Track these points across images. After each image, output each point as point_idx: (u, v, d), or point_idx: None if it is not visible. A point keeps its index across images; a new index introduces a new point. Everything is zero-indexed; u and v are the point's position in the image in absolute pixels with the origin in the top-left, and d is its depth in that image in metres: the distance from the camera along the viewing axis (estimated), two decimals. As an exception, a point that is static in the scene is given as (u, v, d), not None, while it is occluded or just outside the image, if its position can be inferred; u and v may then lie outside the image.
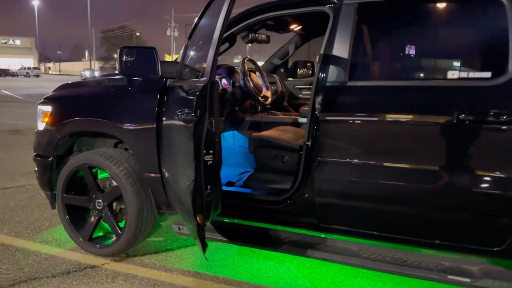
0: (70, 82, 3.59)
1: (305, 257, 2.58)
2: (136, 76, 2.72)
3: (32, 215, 4.04)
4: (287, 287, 2.73)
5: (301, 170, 2.54)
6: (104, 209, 3.12)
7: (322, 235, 2.62)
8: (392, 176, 2.25)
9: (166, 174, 2.70)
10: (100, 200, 3.12)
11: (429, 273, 2.24)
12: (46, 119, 3.25)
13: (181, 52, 2.66)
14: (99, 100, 3.03)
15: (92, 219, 3.17)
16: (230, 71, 3.47)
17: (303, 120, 3.35)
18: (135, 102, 2.91)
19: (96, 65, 74.33)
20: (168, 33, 59.39)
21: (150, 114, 2.79)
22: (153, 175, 2.90)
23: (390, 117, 2.28)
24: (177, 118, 2.41)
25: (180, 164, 2.36)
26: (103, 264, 3.06)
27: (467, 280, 2.16)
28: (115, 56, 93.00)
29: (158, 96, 2.78)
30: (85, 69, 51.60)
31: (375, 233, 2.38)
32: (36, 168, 3.42)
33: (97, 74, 53.88)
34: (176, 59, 3.65)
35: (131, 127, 2.89)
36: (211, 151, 2.07)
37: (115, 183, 3.12)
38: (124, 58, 2.56)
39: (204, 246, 2.21)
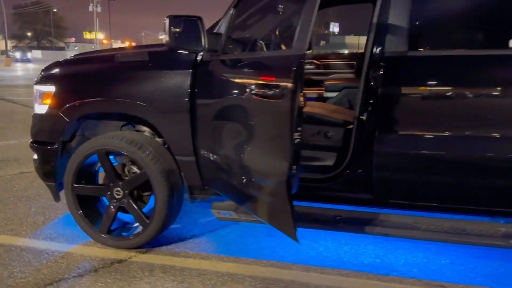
0: (71, 57, 3.18)
1: (362, 234, 2.55)
2: (183, 50, 2.45)
3: (18, 210, 3.60)
4: (335, 264, 2.69)
5: (353, 145, 2.47)
6: (125, 197, 2.85)
7: (371, 211, 2.60)
8: (457, 146, 2.26)
9: (212, 156, 2.49)
10: (119, 188, 2.84)
11: (492, 240, 2.31)
12: (49, 101, 2.87)
13: (225, 23, 2.43)
14: (123, 79, 2.70)
15: (111, 209, 2.89)
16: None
17: (331, 94, 3.27)
18: (166, 79, 2.64)
19: (9, 44, 68.22)
20: (90, 8, 55.96)
21: (184, 93, 2.55)
22: (186, 158, 2.68)
23: (453, 88, 2.27)
24: (246, 94, 2.17)
25: (255, 144, 2.16)
26: (130, 258, 2.80)
27: None
28: (29, 34, 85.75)
29: (191, 72, 2.55)
30: (16, 49, 47.01)
31: (435, 204, 2.40)
32: (36, 157, 3.03)
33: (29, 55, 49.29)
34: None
35: (162, 108, 2.63)
36: (299, 128, 1.93)
37: (134, 169, 2.87)
38: (172, 28, 2.29)
39: (295, 230, 2.05)
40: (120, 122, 3.15)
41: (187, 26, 2.31)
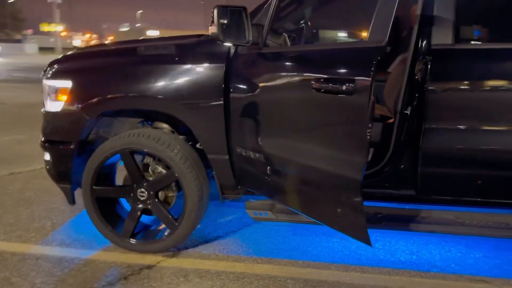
0: (87, 48, 2.96)
1: (406, 231, 2.50)
2: (230, 42, 2.30)
3: (21, 214, 3.35)
4: (373, 263, 2.64)
5: (395, 140, 2.42)
6: (150, 199, 2.69)
7: (410, 207, 2.56)
8: (508, 140, 2.23)
9: (253, 154, 2.36)
10: (143, 190, 2.68)
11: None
12: (64, 97, 2.65)
13: (267, 14, 2.29)
14: (153, 73, 2.52)
15: (134, 212, 2.72)
16: None
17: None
18: (199, 74, 2.48)
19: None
20: (49, -1, 53.72)
21: (219, 88, 2.41)
22: (220, 156, 2.55)
23: (504, 81, 2.25)
24: (306, 89, 2.02)
25: (319, 142, 2.04)
26: (158, 262, 2.65)
27: None
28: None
29: (225, 66, 2.42)
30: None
31: (479, 199, 2.38)
32: (49, 158, 2.80)
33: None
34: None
35: (196, 105, 2.48)
36: (370, 125, 1.83)
37: (160, 169, 2.71)
38: (220, 20, 2.13)
39: (367, 232, 1.95)
40: (136, 119, 2.99)
41: (233, 17, 2.16)
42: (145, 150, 2.60)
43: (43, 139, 2.83)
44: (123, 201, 2.94)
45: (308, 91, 1.97)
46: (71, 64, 2.75)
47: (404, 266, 2.60)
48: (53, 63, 2.85)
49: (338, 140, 1.92)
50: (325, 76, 1.93)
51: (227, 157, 2.53)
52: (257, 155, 2.34)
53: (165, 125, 2.88)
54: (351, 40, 2.73)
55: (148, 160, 2.78)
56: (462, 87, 2.29)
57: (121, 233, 2.76)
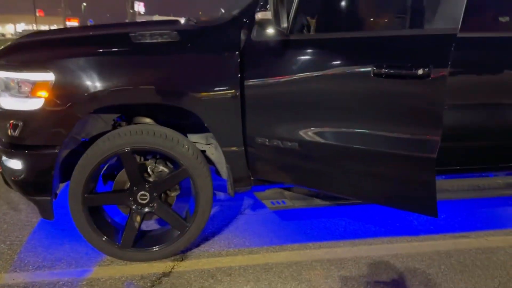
0: (55, 33, 2.46)
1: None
2: (277, 30, 2.15)
3: (-42, 241, 2.71)
4: (369, 235, 2.86)
5: None
6: (152, 202, 2.46)
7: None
8: None
9: (281, 143, 2.32)
10: (145, 192, 2.43)
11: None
12: (44, 93, 2.22)
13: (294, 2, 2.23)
14: (161, 63, 2.26)
15: (135, 218, 2.45)
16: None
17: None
18: (212, 63, 2.33)
19: None
20: None
21: (234, 77, 2.31)
22: (236, 148, 2.45)
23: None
24: (363, 76, 2.07)
25: (385, 126, 2.06)
26: (173, 268, 2.45)
27: None
28: None
29: (239, 55, 2.32)
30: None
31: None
32: (21, 166, 2.32)
33: None
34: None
35: (211, 96, 2.32)
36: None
37: (161, 168, 2.49)
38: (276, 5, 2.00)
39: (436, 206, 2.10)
40: (111, 115, 2.68)
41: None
42: (153, 148, 2.36)
43: (8, 144, 2.33)
44: (107, 208, 2.62)
45: (367, 77, 2.03)
46: (49, 53, 2.29)
47: (396, 233, 2.88)
48: (22, 51, 2.37)
49: (410, 122, 2.03)
50: (395, 62, 2.01)
51: (243, 148, 2.45)
52: (290, 143, 2.31)
53: (148, 120, 2.64)
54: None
55: (140, 159, 2.52)
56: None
57: (121, 243, 2.46)
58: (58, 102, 2.22)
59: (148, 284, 2.29)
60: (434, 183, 2.00)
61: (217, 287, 2.27)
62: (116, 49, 2.32)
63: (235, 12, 2.62)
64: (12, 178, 2.38)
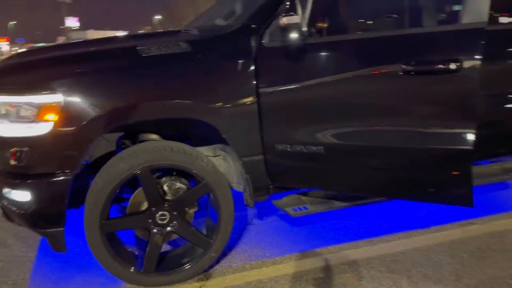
0: (51, 51, 2.28)
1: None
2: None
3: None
4: (382, 232, 2.89)
5: None
6: (173, 221, 2.34)
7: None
8: None
9: (304, 148, 2.29)
10: (164, 212, 2.32)
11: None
12: (52, 116, 2.05)
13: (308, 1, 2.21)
14: (176, 74, 2.16)
15: (156, 240, 2.32)
16: None
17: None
18: (227, 72, 2.26)
19: None
20: None
21: (250, 85, 2.26)
22: (255, 157, 2.40)
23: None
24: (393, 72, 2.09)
25: (419, 121, 2.11)
26: (202, 287, 2.34)
27: None
28: None
29: (254, 61, 2.28)
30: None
31: None
32: (29, 198, 2.12)
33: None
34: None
35: (228, 107, 2.25)
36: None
37: (178, 185, 2.39)
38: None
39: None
40: (113, 134, 2.53)
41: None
42: (172, 165, 2.25)
43: (13, 175, 2.13)
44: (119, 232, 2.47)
45: (394, 75, 2.05)
46: (54, 72, 2.12)
47: (407, 228, 2.93)
48: (6, 73, 2.18)
49: (446, 117, 2.06)
50: (425, 58, 2.05)
51: (262, 157, 2.40)
52: (314, 147, 2.29)
53: (155, 136, 2.53)
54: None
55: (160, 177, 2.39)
56: None
57: (143, 269, 2.32)
58: (69, 124, 2.07)
59: (182, 309, 2.18)
60: (471, 175, 2.06)
61: (257, 303, 2.20)
62: (129, 63, 2.19)
63: (237, 19, 2.60)
64: (19, 211, 2.18)
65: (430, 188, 2.22)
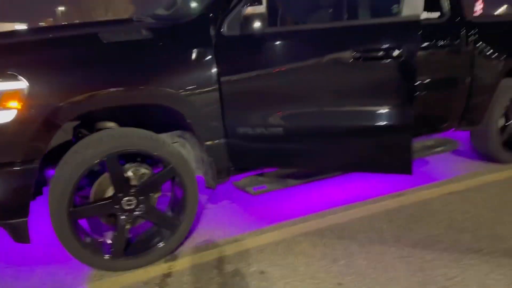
0: (35, 35, 2.18)
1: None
2: None
3: None
4: (355, 199, 3.18)
5: None
6: (139, 205, 2.41)
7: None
8: None
9: (266, 130, 2.46)
10: (131, 197, 2.37)
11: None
12: (16, 103, 2.01)
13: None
14: (143, 61, 2.21)
15: (123, 225, 2.37)
16: None
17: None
18: (189, 59, 2.36)
19: None
20: None
21: (212, 72, 2.39)
22: (218, 141, 2.53)
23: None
24: (345, 59, 2.35)
25: (368, 101, 2.40)
26: (170, 268, 2.43)
27: None
28: None
29: (214, 49, 2.41)
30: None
31: None
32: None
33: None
34: None
35: (193, 92, 2.36)
36: None
37: (143, 170, 2.45)
38: None
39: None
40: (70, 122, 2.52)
41: None
42: (139, 150, 2.31)
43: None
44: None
45: (345, 61, 2.30)
46: (18, 58, 2.06)
47: (350, 201, 3.26)
48: None
49: (389, 97, 2.33)
50: (372, 46, 2.29)
51: (224, 140, 2.54)
52: (274, 129, 2.47)
53: (112, 124, 2.56)
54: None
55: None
56: None
57: (112, 254, 2.36)
58: (35, 111, 2.04)
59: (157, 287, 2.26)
60: (411, 147, 2.38)
61: (225, 276, 2.34)
62: (95, 50, 2.20)
63: (194, 8, 2.69)
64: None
65: (378, 160, 2.52)
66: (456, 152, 4.27)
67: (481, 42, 3.43)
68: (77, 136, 2.54)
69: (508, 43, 3.62)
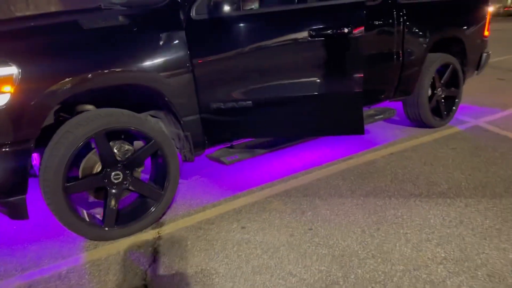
0: (22, 23, 2.29)
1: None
2: None
3: None
4: (316, 164, 3.58)
5: None
6: (126, 179, 2.64)
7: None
8: None
9: (238, 104, 2.77)
10: (118, 172, 2.60)
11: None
12: (11, 88, 2.16)
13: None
14: (121, 44, 2.45)
15: (113, 197, 2.59)
16: None
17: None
18: (166, 43, 2.60)
19: None
20: None
21: (185, 54, 2.66)
22: (194, 117, 2.81)
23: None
24: (302, 38, 2.73)
25: (324, 74, 2.77)
26: (159, 233, 2.69)
27: None
28: None
29: (185, 32, 2.67)
30: None
31: None
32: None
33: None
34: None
35: (170, 73, 2.61)
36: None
37: (126, 147, 2.68)
38: None
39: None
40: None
41: None
42: (125, 127, 2.53)
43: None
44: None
45: (304, 39, 2.66)
46: (8, 44, 2.20)
47: (308, 166, 3.67)
48: None
49: (344, 68, 2.72)
50: (326, 25, 2.65)
51: (199, 116, 2.82)
52: (244, 103, 2.79)
53: (90, 106, 2.75)
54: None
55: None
56: None
57: (105, 224, 2.57)
58: (27, 95, 2.21)
59: (150, 249, 2.51)
60: (362, 110, 2.81)
61: (211, 233, 2.65)
62: (79, 35, 2.39)
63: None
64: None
65: (335, 124, 2.93)
66: (391, 121, 4.84)
67: (409, 22, 3.95)
68: (58, 120, 2.70)
69: (430, 22, 4.19)
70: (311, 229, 2.63)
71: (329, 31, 2.67)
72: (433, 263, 2.21)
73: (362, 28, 2.66)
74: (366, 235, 2.52)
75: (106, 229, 2.58)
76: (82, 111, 2.64)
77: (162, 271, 2.29)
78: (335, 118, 2.89)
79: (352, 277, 2.14)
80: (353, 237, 2.50)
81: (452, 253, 2.29)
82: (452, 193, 3.01)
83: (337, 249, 2.40)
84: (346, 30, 2.64)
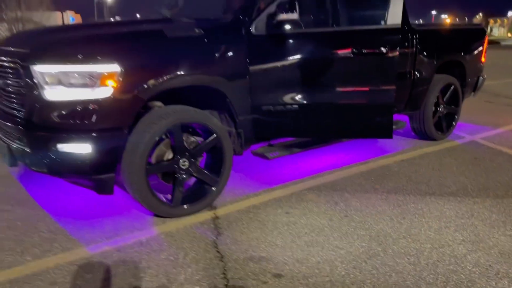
0: (119, 27, 2.72)
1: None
2: None
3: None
4: (342, 164, 4.05)
5: None
6: (191, 166, 3.07)
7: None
8: None
9: (285, 108, 3.26)
10: (185, 159, 3.03)
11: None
12: (112, 82, 2.60)
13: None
14: (200, 51, 2.96)
15: (181, 180, 3.02)
16: None
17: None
18: (233, 52, 3.08)
19: None
20: None
21: (245, 63, 3.14)
22: (248, 116, 3.27)
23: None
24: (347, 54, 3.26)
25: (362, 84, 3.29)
26: (215, 214, 3.11)
27: None
28: None
29: (247, 44, 3.15)
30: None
31: None
32: (90, 150, 2.61)
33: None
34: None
35: (232, 78, 3.11)
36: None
37: (192, 139, 3.12)
38: None
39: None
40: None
41: None
42: (196, 122, 2.98)
43: (73, 131, 2.59)
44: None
45: (348, 55, 3.19)
46: (119, 46, 2.70)
47: (334, 167, 4.15)
48: (84, 45, 2.73)
49: (379, 81, 3.22)
50: (366, 45, 3.18)
51: (251, 116, 3.29)
52: (291, 106, 3.27)
53: (159, 103, 3.18)
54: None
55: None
56: None
57: (173, 203, 2.99)
58: (126, 89, 2.64)
59: (212, 225, 2.94)
60: (392, 118, 3.34)
61: (261, 216, 3.09)
62: (174, 43, 2.87)
63: (228, 13, 3.41)
64: (76, 162, 2.64)
65: (369, 128, 3.45)
66: (396, 133, 5.38)
67: (420, 46, 4.51)
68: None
69: (438, 47, 4.78)
70: (346, 216, 3.10)
71: (369, 50, 3.19)
72: (454, 243, 2.70)
73: (397, 49, 3.19)
74: (394, 222, 3.00)
75: (174, 207, 2.99)
76: (152, 107, 3.08)
77: (228, 241, 2.72)
78: (369, 123, 3.40)
79: (390, 251, 2.61)
80: (384, 223, 2.99)
81: (468, 236, 2.79)
82: (461, 193, 3.53)
83: (372, 231, 2.87)
84: (384, 50, 3.16)
